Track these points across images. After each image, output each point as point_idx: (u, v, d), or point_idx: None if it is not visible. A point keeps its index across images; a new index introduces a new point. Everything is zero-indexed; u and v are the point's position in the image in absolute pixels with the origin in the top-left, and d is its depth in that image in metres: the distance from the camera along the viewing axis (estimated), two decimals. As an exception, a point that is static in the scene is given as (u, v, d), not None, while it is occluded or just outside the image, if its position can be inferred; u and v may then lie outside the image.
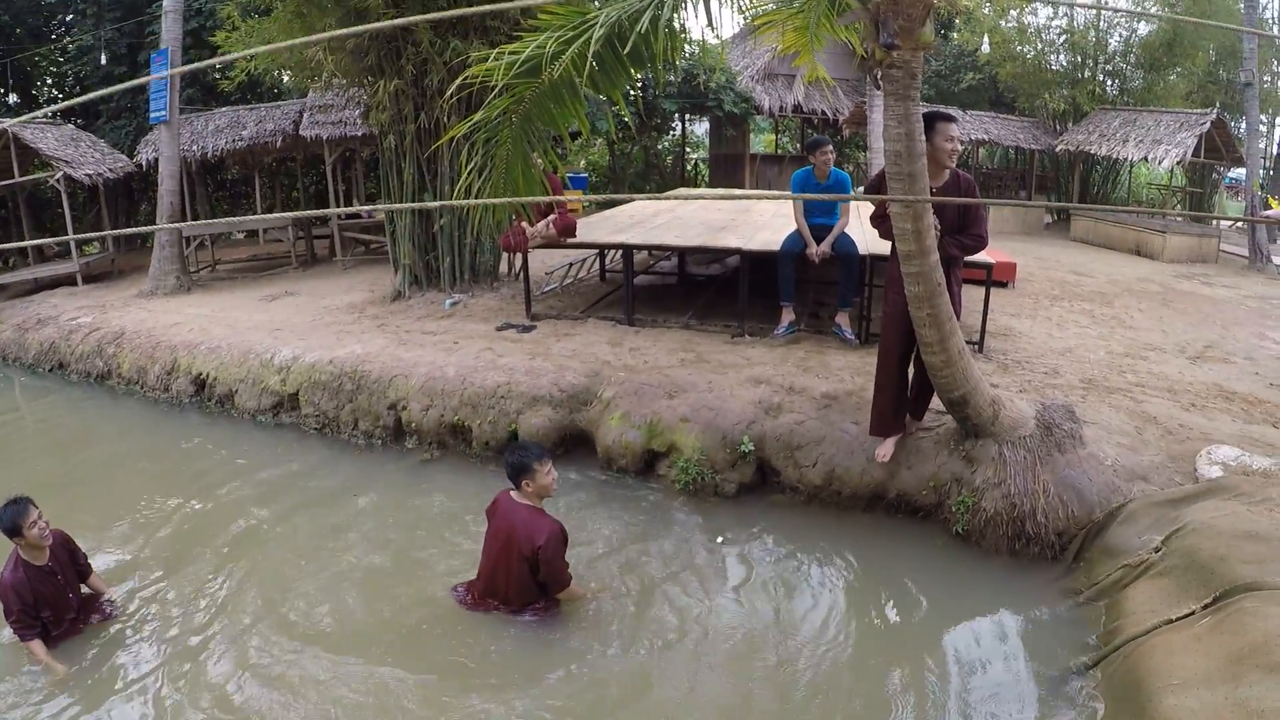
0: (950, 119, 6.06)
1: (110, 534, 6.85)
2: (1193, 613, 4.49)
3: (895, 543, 6.29)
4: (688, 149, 29.14)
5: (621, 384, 7.75)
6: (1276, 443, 6.48)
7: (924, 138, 5.59)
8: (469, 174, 6.63)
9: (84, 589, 5.69)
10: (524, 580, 5.24)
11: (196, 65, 18.18)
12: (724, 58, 22.47)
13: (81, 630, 5.48)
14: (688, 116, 25.52)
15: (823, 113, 24.08)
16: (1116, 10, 22.90)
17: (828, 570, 5.99)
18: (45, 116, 17.77)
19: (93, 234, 3.47)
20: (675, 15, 5.93)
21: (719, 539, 6.35)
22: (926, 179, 5.66)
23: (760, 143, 32.64)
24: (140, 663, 5.21)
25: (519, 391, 7.97)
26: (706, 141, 30.07)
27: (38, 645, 5.17)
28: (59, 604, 5.39)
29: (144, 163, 18.24)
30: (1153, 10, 23.10)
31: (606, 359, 8.51)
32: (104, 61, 20.46)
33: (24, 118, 19.54)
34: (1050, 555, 5.82)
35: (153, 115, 15.74)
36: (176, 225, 5.31)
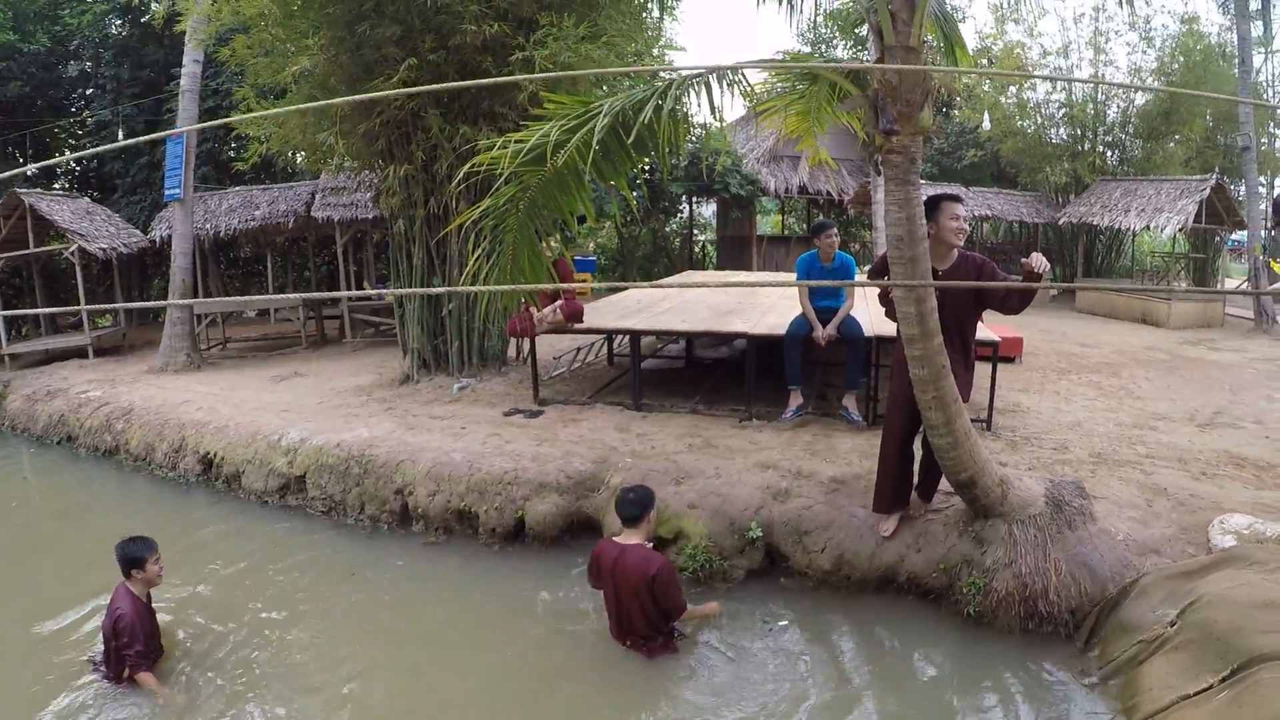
0: (955, 199, 6.08)
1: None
2: (1210, 686, 4.42)
3: (907, 625, 6.20)
4: (695, 231, 29.39)
5: (629, 470, 7.74)
6: (1290, 509, 6.45)
7: (925, 221, 5.63)
8: (476, 260, 6.69)
9: None
10: (649, 612, 5.70)
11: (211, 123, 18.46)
12: (727, 141, 22.75)
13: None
14: (695, 199, 25.77)
15: (828, 193, 24.34)
16: (1112, 85, 23.25)
17: (841, 654, 5.92)
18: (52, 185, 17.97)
19: (105, 306, 3.55)
20: (678, 104, 6.03)
21: (777, 624, 6.30)
22: (928, 262, 5.69)
23: (767, 224, 32.98)
24: None
25: (526, 478, 7.94)
26: (714, 223, 30.33)
27: (151, 677, 5.59)
28: (156, 639, 5.88)
29: (158, 239, 18.47)
30: (1149, 82, 23.44)
31: (614, 445, 8.50)
32: (121, 137, 20.83)
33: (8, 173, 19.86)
34: (1065, 634, 5.73)
35: (167, 193, 15.93)
36: (190, 301, 5.43)
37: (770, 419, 9.15)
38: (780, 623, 6.29)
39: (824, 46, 27.85)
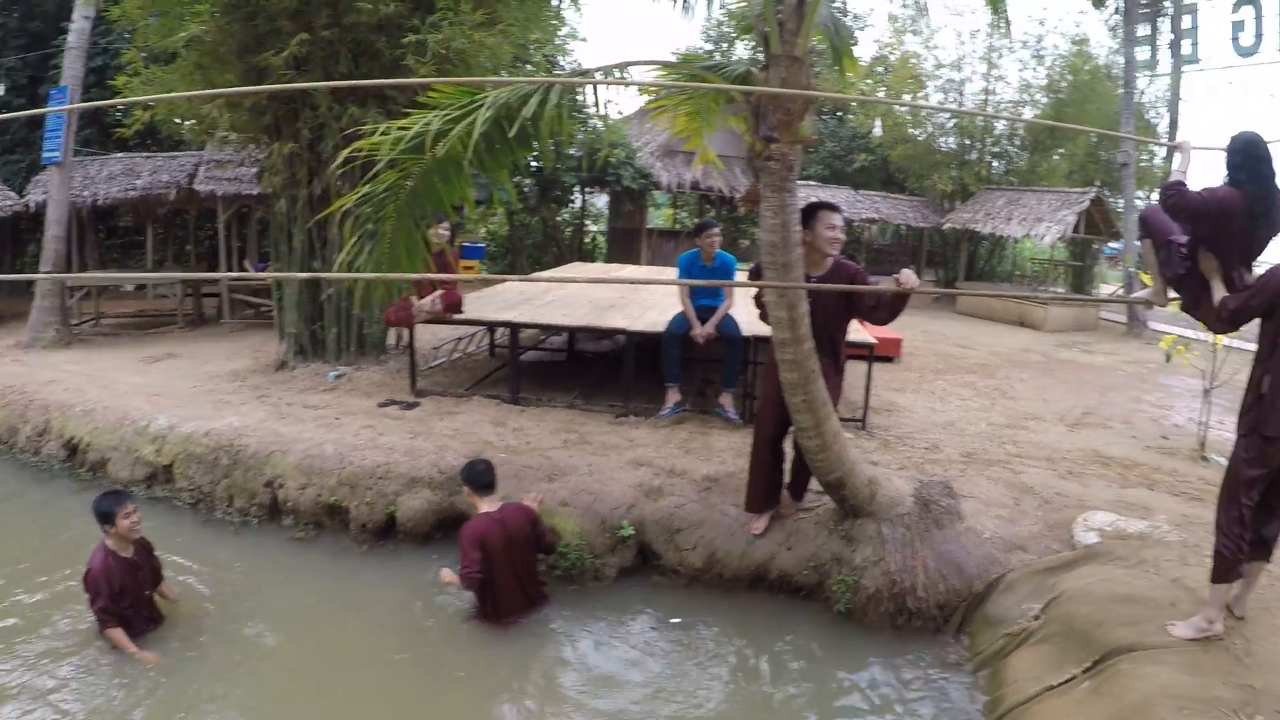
0: (833, 208, 6.12)
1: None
2: (1073, 677, 4.62)
3: (778, 621, 6.22)
4: (587, 221, 29.24)
5: (502, 466, 7.51)
6: (1151, 505, 6.77)
7: (800, 228, 5.69)
8: (352, 246, 6.51)
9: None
10: (534, 563, 6.31)
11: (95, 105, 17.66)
12: (620, 135, 22.67)
13: (152, 630, 5.93)
14: (587, 190, 25.60)
15: (719, 190, 24.36)
16: (998, 116, 23.87)
17: (712, 650, 5.93)
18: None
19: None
20: (565, 98, 5.95)
21: (674, 620, 6.31)
22: (801, 268, 5.74)
23: (659, 217, 32.93)
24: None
25: (398, 472, 7.70)
26: (606, 214, 30.20)
27: (119, 633, 5.61)
28: (138, 598, 5.87)
29: (32, 204, 17.47)
30: (1037, 98, 24.14)
31: (489, 439, 8.34)
32: (2, 91, 19.86)
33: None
34: (933, 629, 5.88)
35: (45, 155, 15.06)
36: (58, 275, 5.14)
37: (648, 415, 9.09)
38: (673, 620, 6.31)
39: (726, 45, 27.93)
